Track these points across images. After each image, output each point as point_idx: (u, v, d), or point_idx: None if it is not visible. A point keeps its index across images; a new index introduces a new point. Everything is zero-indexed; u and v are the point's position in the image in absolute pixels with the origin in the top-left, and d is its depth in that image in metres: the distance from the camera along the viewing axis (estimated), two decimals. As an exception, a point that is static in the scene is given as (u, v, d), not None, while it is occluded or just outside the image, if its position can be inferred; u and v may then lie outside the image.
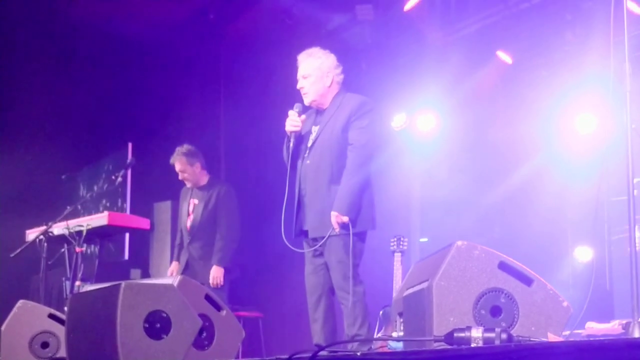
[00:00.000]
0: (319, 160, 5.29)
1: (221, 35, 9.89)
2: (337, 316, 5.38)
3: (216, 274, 7.13)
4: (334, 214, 5.12)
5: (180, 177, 7.36)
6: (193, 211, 7.34)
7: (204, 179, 7.41)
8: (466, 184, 10.34)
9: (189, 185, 7.42)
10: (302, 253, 5.39)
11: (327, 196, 5.22)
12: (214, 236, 7.25)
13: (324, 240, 5.18)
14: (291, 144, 5.32)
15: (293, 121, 5.31)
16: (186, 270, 7.29)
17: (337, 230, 5.12)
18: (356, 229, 5.16)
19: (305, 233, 5.37)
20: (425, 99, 10.36)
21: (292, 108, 5.36)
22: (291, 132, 5.33)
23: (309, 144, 5.37)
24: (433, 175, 10.89)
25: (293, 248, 5.30)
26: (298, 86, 5.40)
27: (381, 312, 7.22)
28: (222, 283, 7.09)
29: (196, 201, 7.33)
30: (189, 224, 7.33)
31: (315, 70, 5.37)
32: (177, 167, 7.33)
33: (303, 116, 5.37)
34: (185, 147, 7.32)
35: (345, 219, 5.10)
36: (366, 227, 5.26)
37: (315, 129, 5.40)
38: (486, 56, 9.75)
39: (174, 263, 7.43)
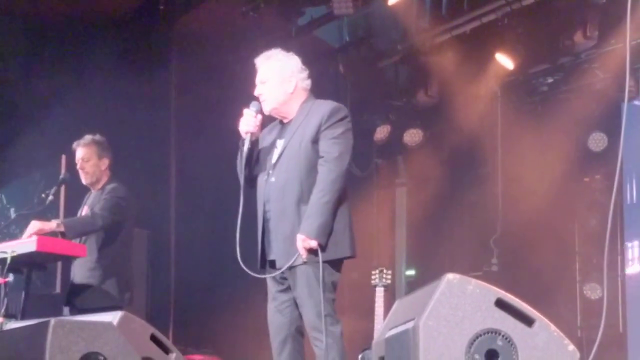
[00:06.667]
0: (285, 178, 5.25)
1: (172, 30, 9.85)
2: (306, 360, 5.37)
3: (43, 226, 6.74)
4: (300, 237, 5.05)
5: (78, 167, 7.10)
6: None
7: (104, 181, 7.20)
8: (460, 208, 10.38)
9: (85, 181, 7.11)
10: (265, 286, 5.35)
11: (295, 218, 5.15)
12: (95, 245, 6.96)
13: (286, 268, 5.09)
14: (245, 147, 5.29)
15: (248, 120, 5.28)
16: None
17: (305, 257, 5.05)
18: (328, 255, 5.09)
19: (272, 264, 5.32)
20: (413, 108, 10.40)
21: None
22: (246, 133, 5.31)
23: (274, 160, 5.33)
24: (421, 197, 10.89)
25: (251, 273, 5.19)
26: (256, 92, 5.37)
27: (360, 356, 7.23)
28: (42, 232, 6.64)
29: (87, 208, 7.11)
30: None
31: (274, 74, 5.35)
32: (81, 154, 7.04)
33: (259, 116, 5.35)
34: (98, 136, 7.11)
35: (314, 243, 5.03)
36: (341, 254, 5.19)
37: (280, 143, 5.35)
38: (483, 60, 9.82)
39: None
